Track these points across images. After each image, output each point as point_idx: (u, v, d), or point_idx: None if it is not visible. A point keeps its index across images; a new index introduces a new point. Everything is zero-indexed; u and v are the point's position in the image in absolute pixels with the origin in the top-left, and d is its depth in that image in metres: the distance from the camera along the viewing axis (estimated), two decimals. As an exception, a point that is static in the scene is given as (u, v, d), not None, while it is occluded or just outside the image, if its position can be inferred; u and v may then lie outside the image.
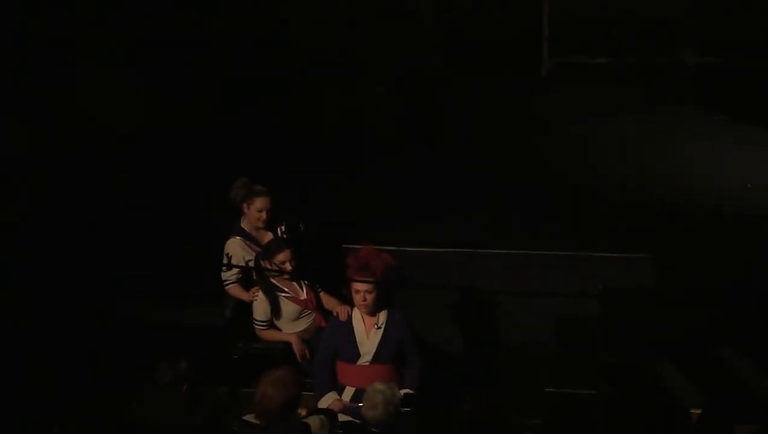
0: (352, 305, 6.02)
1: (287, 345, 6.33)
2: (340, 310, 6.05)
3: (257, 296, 6.40)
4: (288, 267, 6.21)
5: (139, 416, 5.41)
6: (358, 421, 5.51)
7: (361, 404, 5.27)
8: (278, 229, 6.74)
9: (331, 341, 5.97)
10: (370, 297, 5.84)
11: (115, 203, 7.44)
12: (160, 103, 8.16)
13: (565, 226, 7.58)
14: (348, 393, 5.89)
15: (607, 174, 8.46)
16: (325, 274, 6.61)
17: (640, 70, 10.20)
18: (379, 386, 5.16)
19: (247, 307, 6.51)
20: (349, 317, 5.98)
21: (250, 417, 5.09)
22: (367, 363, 5.89)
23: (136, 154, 7.88)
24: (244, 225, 6.70)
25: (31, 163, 7.04)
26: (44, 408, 6.12)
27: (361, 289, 5.83)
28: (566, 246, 7.19)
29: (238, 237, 6.65)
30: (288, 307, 6.37)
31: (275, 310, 6.37)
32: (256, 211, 6.63)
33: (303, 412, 5.34)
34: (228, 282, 6.67)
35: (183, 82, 8.44)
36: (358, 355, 5.90)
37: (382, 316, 5.94)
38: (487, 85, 10.01)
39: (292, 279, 6.40)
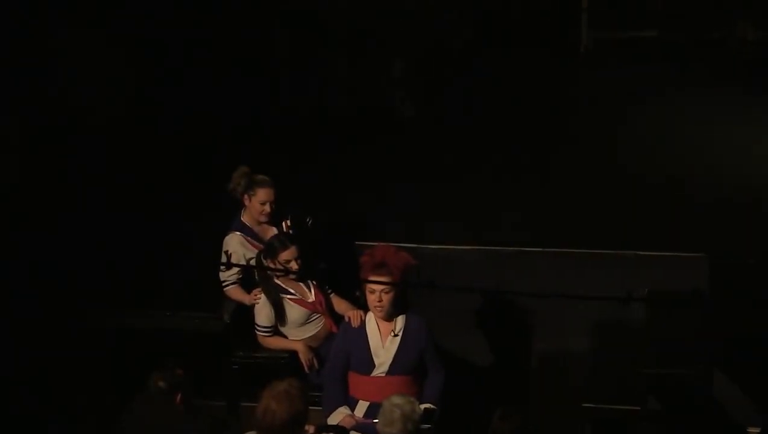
0: (366, 309, 5.99)
1: (293, 353, 6.35)
2: (352, 315, 6.03)
3: (259, 299, 6.41)
4: (294, 266, 6.23)
5: (129, 428, 5.46)
6: (372, 440, 5.50)
7: (376, 420, 5.28)
8: (283, 224, 6.77)
9: (343, 349, 5.95)
10: (386, 298, 5.81)
11: (107, 203, 7.47)
12: (155, 101, 8.21)
13: (607, 221, 7.56)
14: (361, 407, 5.88)
15: (655, 162, 8.42)
16: (336, 274, 6.61)
17: (692, 46, 10.14)
18: (396, 400, 5.16)
19: (248, 311, 6.53)
20: (363, 323, 5.96)
21: (251, 435, 5.07)
22: (383, 375, 5.87)
23: (133, 154, 7.91)
24: (245, 219, 6.71)
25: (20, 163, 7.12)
26: (34, 417, 6.18)
27: (376, 288, 5.80)
28: (608, 243, 7.19)
29: (238, 233, 6.67)
30: (294, 311, 6.37)
31: (280, 315, 6.38)
32: (258, 203, 6.64)
33: (310, 429, 5.34)
34: (227, 283, 6.70)
35: (182, 76, 8.49)
36: (372, 365, 5.88)
37: (400, 322, 5.92)
38: (519, 64, 9.96)
39: (298, 280, 6.41)
